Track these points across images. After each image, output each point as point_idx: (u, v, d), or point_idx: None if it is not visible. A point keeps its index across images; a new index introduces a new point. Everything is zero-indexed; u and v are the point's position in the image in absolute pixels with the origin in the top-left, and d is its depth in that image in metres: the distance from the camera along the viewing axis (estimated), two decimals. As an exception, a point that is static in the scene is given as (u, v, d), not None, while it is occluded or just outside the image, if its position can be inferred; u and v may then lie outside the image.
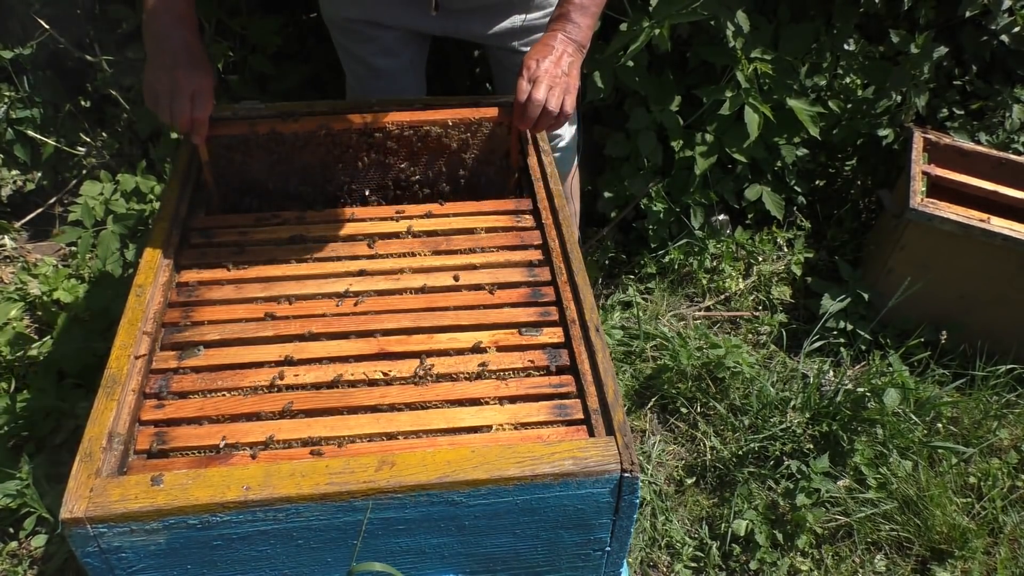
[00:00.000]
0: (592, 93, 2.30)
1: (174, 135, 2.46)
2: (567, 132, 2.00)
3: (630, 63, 2.27)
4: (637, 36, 2.06)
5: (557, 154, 1.97)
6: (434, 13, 1.72)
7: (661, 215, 2.49)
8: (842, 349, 2.34)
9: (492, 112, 1.59)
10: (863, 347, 2.34)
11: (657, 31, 2.05)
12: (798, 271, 2.61)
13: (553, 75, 1.48)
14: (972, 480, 2.04)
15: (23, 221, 2.67)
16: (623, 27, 2.14)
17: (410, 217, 1.51)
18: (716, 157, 2.41)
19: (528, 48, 1.66)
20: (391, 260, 1.42)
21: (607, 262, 2.63)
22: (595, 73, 2.30)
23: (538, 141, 1.61)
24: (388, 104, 1.60)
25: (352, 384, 1.20)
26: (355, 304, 1.32)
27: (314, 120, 1.55)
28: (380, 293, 1.34)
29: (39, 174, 2.63)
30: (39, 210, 2.67)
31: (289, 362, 1.22)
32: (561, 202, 1.47)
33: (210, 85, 1.41)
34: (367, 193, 1.64)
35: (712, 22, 2.27)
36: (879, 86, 2.54)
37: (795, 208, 2.74)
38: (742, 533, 1.91)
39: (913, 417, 2.11)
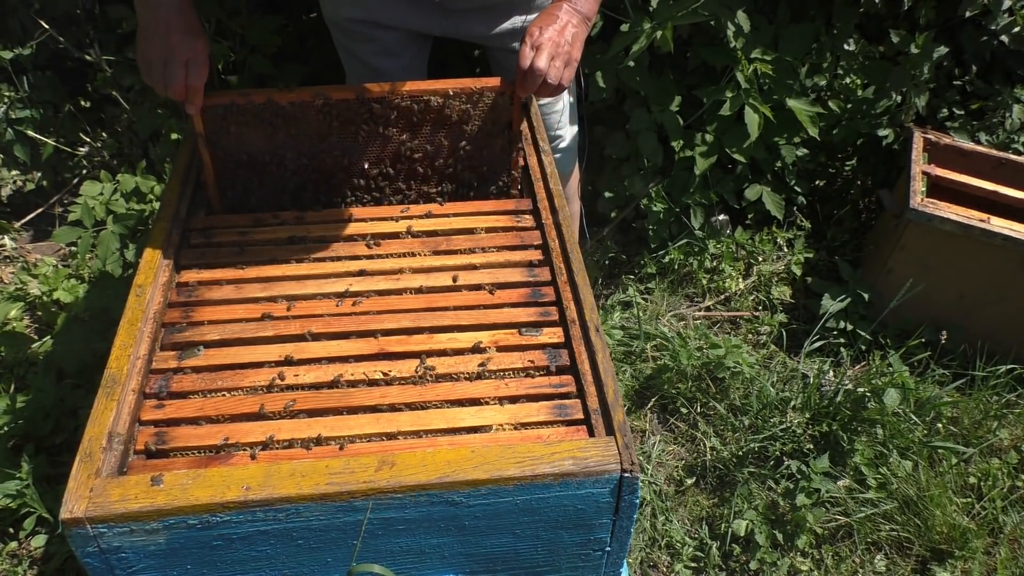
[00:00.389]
0: (594, 93, 2.30)
1: (174, 135, 2.46)
2: (567, 133, 1.99)
3: (631, 63, 2.27)
4: (639, 37, 2.06)
5: (558, 155, 1.96)
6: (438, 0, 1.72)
7: (661, 215, 2.49)
8: (842, 349, 2.34)
9: (494, 82, 1.57)
10: (863, 347, 2.34)
11: (659, 32, 2.05)
12: (798, 271, 2.61)
13: (556, 43, 1.47)
14: (972, 480, 2.04)
15: (23, 221, 2.67)
16: (624, 28, 2.14)
17: (410, 217, 1.50)
18: (716, 157, 2.41)
19: None
20: (391, 260, 1.41)
21: (607, 262, 2.63)
22: (597, 73, 2.30)
23: (538, 141, 1.60)
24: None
25: (352, 384, 1.20)
26: (355, 304, 1.32)
27: (311, 90, 1.53)
28: (380, 293, 1.34)
29: (39, 174, 2.63)
30: (39, 210, 2.67)
31: (289, 362, 1.22)
32: (561, 202, 1.46)
33: (205, 51, 1.38)
34: (366, 166, 1.61)
35: (712, 22, 2.27)
36: (879, 86, 2.54)
37: (795, 208, 2.74)
38: (742, 533, 1.91)
39: (913, 417, 2.11)
